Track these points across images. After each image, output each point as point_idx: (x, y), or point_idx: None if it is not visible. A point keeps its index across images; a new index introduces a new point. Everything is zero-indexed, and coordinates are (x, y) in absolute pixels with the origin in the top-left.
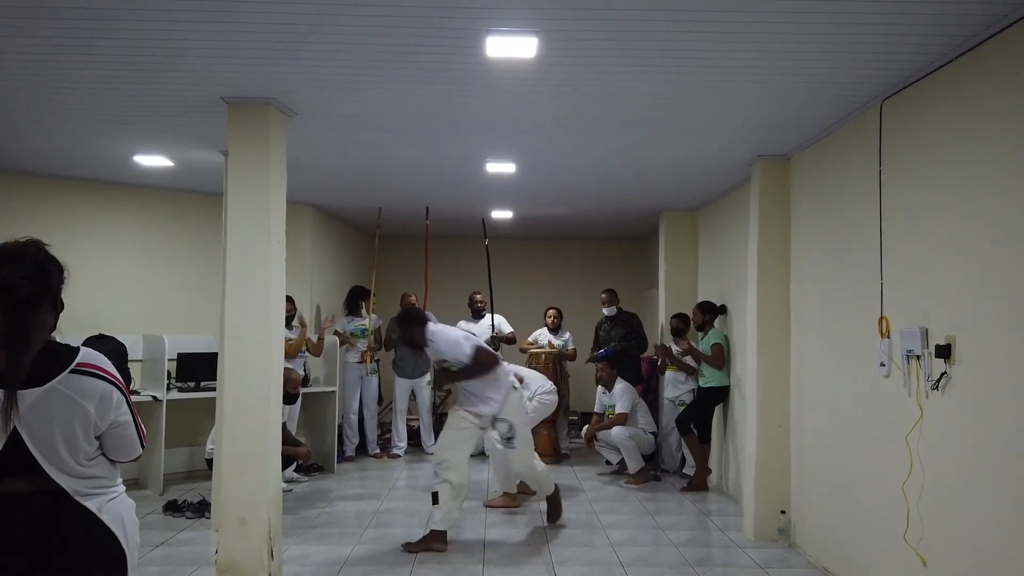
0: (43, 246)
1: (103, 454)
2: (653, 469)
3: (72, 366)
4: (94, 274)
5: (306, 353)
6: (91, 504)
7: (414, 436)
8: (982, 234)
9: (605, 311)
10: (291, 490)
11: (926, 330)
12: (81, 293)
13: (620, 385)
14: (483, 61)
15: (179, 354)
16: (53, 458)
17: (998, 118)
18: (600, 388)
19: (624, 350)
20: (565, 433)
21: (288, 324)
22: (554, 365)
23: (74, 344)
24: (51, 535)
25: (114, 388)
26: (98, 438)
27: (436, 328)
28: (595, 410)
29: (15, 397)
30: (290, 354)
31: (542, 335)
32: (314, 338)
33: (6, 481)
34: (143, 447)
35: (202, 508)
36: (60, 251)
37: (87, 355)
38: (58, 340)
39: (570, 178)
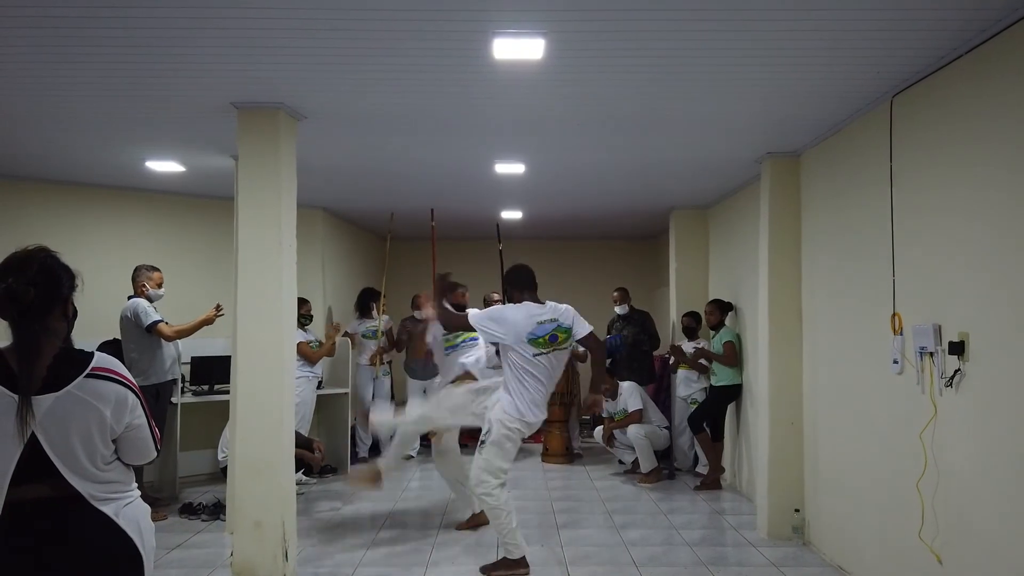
0: (51, 253)
1: (118, 458)
2: (666, 468)
3: (87, 370)
4: (108, 279)
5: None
6: (108, 509)
7: (426, 437)
8: (994, 229)
9: (617, 309)
10: (303, 493)
11: (939, 327)
12: (95, 298)
13: (625, 386)
14: (490, 63)
15: (192, 358)
16: (71, 463)
17: (1010, 112)
18: None
19: (635, 344)
20: (577, 433)
21: (303, 325)
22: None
23: (88, 349)
24: (69, 540)
25: (129, 391)
26: (114, 441)
27: None
28: (603, 414)
29: (30, 403)
30: (312, 359)
31: None
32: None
33: (26, 487)
34: (158, 449)
35: (217, 510)
36: (73, 257)
37: (102, 359)
38: (73, 345)
39: (579, 177)
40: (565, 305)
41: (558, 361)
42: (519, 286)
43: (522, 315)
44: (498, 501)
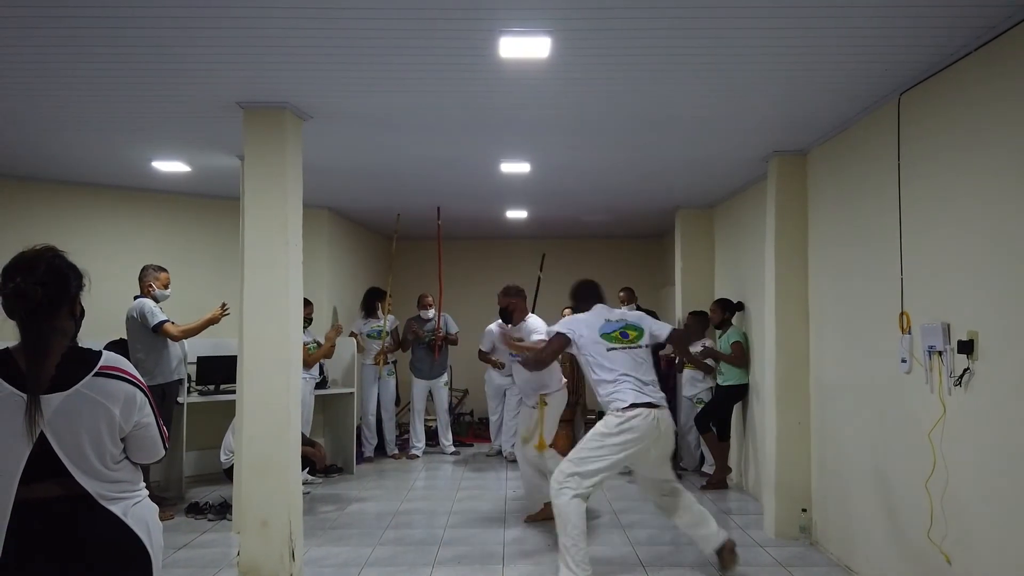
0: (58, 253)
1: (126, 457)
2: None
3: (96, 369)
4: (114, 279)
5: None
6: (116, 508)
7: (432, 436)
8: (1003, 227)
9: (624, 309)
10: (309, 492)
11: (948, 326)
12: (101, 298)
13: None
14: (496, 62)
15: (199, 357)
16: (80, 462)
17: (1019, 110)
18: None
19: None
20: (582, 432)
21: (303, 328)
22: (571, 363)
23: (96, 348)
24: (78, 540)
25: (137, 390)
26: (122, 440)
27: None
28: None
29: (39, 402)
30: (308, 363)
31: None
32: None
33: (35, 486)
34: (166, 448)
35: (223, 510)
36: (80, 257)
37: (110, 358)
38: (80, 345)
39: (585, 176)
40: (637, 313)
41: (639, 359)
42: (584, 298)
43: (593, 316)
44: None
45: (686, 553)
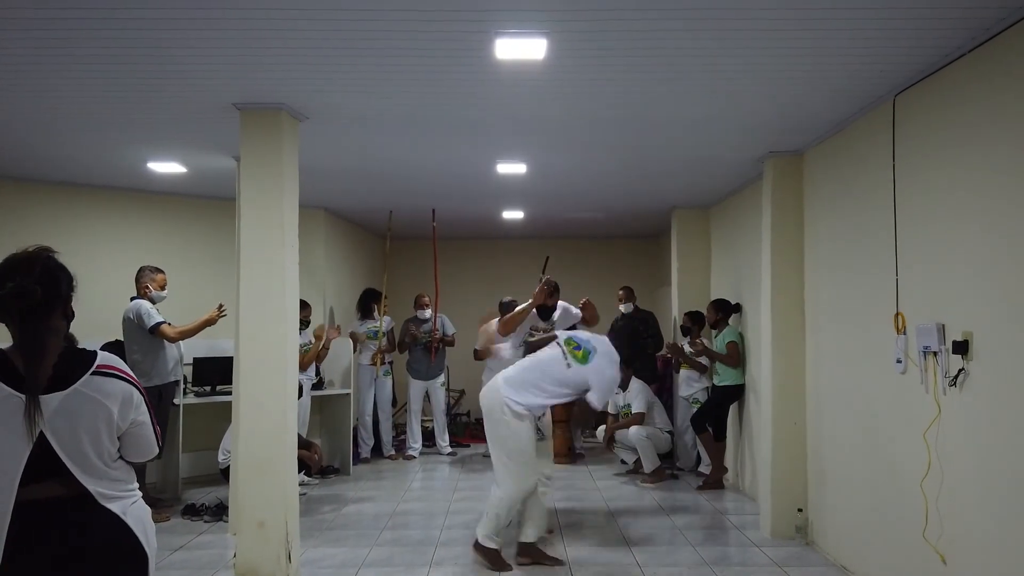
0: (52, 253)
1: (121, 456)
2: (669, 468)
3: (93, 368)
4: (111, 280)
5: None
6: (115, 507)
7: (428, 437)
8: (998, 228)
9: (622, 308)
10: (306, 493)
11: (943, 326)
12: (98, 299)
13: (635, 384)
14: (493, 63)
15: (195, 359)
16: (80, 461)
17: (1014, 110)
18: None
19: (638, 343)
20: (579, 433)
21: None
22: None
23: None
24: (79, 539)
25: (134, 388)
26: (118, 438)
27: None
28: (609, 411)
29: (38, 402)
30: (302, 365)
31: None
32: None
33: (35, 487)
34: (160, 447)
35: (219, 511)
36: (76, 258)
37: (105, 357)
38: (75, 345)
39: (581, 177)
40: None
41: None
42: None
43: None
44: None
45: (682, 553)
